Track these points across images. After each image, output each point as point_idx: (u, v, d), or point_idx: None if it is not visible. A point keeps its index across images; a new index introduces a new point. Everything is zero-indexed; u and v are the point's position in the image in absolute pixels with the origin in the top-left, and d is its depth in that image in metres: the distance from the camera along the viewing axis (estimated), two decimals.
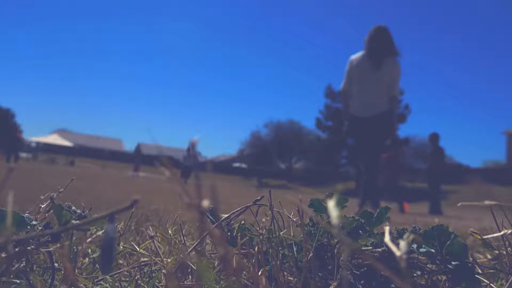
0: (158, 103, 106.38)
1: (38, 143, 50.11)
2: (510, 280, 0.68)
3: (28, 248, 0.65)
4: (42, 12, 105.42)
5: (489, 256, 0.76)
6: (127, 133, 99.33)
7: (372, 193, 4.88)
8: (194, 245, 0.75)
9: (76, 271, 0.82)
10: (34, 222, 0.70)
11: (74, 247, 0.80)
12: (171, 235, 0.89)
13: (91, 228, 0.83)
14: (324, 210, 0.78)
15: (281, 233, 0.78)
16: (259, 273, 0.67)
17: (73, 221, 0.70)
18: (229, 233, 0.78)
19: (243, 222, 0.80)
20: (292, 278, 0.71)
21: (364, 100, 4.75)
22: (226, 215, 0.77)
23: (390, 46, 4.70)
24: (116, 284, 0.79)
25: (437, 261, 0.70)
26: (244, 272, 0.68)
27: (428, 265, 0.71)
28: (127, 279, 0.85)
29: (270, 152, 42.94)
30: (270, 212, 0.80)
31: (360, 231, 0.75)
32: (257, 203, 0.79)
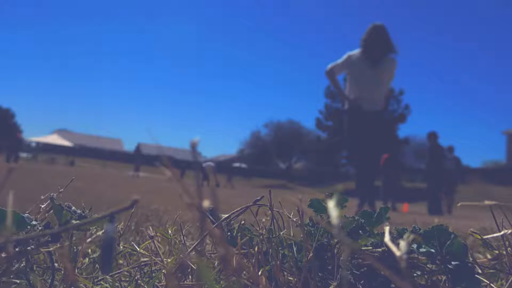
0: (158, 103, 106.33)
1: (38, 143, 50.09)
2: (510, 280, 0.68)
3: (28, 248, 0.65)
4: (42, 12, 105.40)
5: (489, 256, 0.76)
6: (127, 133, 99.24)
7: (369, 192, 4.90)
8: (194, 245, 0.75)
9: (76, 271, 0.82)
10: (34, 222, 0.70)
11: (74, 247, 0.80)
12: (171, 235, 0.89)
13: (91, 228, 0.83)
14: (324, 210, 0.79)
15: (281, 233, 0.78)
16: (259, 273, 0.67)
17: (73, 221, 0.70)
18: (229, 233, 0.78)
19: (243, 222, 0.80)
20: (292, 278, 0.71)
21: (363, 99, 4.75)
22: (226, 215, 0.77)
23: (388, 44, 4.70)
24: (116, 284, 0.79)
25: (437, 261, 0.70)
26: (244, 272, 0.68)
27: (428, 265, 0.71)
28: (127, 279, 0.85)
29: (270, 152, 42.96)
30: (270, 212, 0.80)
31: (360, 231, 0.75)
32: (257, 203, 0.79)
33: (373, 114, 4.75)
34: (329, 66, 4.84)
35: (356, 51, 4.81)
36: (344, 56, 4.84)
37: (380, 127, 4.96)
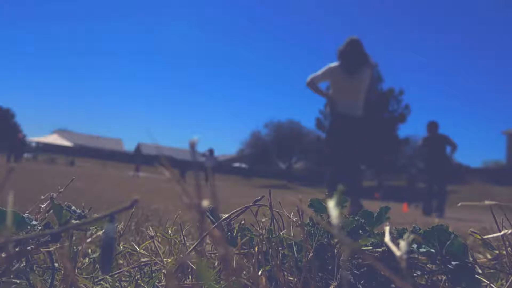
0: (158, 103, 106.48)
1: (38, 143, 50.07)
2: (510, 280, 0.68)
3: (28, 248, 0.65)
4: (42, 12, 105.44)
5: (489, 256, 0.76)
6: (127, 133, 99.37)
7: (353, 192, 5.17)
8: (194, 245, 0.75)
9: (76, 271, 0.82)
10: (34, 222, 0.70)
11: (74, 247, 0.80)
12: (171, 235, 0.89)
13: (91, 228, 0.83)
14: (324, 210, 0.78)
15: (281, 233, 0.78)
16: (259, 273, 0.67)
17: (73, 221, 0.70)
18: (229, 233, 0.78)
19: (243, 222, 0.80)
20: (292, 278, 0.71)
21: (344, 106, 5.17)
22: (226, 215, 0.77)
23: (364, 56, 5.16)
24: (116, 284, 0.79)
25: (437, 261, 0.70)
26: (244, 272, 0.68)
27: (428, 265, 0.71)
28: (127, 279, 0.85)
29: (270, 152, 42.95)
30: (270, 212, 0.80)
31: (360, 231, 0.75)
32: (257, 203, 0.79)
33: (353, 119, 5.16)
34: (309, 77, 5.26)
35: (335, 63, 5.22)
36: (325, 68, 5.26)
37: (360, 131, 5.38)
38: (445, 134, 8.77)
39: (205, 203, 0.35)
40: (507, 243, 0.71)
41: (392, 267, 0.66)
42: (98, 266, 0.85)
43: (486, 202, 0.63)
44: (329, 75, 5.22)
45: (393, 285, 0.69)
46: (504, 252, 0.71)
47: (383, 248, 0.72)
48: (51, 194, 0.74)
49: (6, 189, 0.47)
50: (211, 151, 19.23)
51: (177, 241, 0.89)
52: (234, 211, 0.77)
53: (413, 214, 7.34)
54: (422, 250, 0.70)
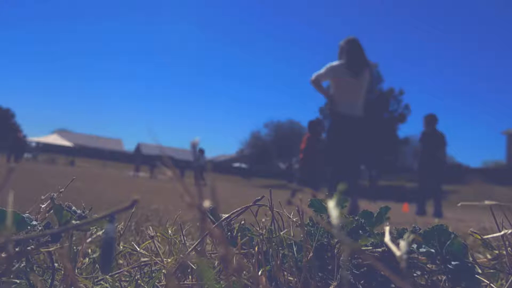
0: (158, 103, 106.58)
1: (38, 143, 50.05)
2: (510, 280, 0.68)
3: (28, 248, 0.65)
4: (42, 12, 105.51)
5: (489, 256, 0.76)
6: (127, 133, 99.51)
7: (352, 192, 5.22)
8: (194, 245, 0.75)
9: (76, 271, 0.82)
10: (34, 222, 0.70)
11: (74, 247, 0.80)
12: (171, 235, 0.89)
13: (91, 228, 0.83)
14: (324, 210, 0.78)
15: (281, 233, 0.78)
16: (259, 273, 0.67)
17: (73, 221, 0.70)
18: (229, 233, 0.78)
19: (243, 222, 0.80)
20: (292, 278, 0.71)
21: (346, 106, 5.18)
22: (226, 215, 0.77)
23: (365, 56, 5.20)
24: (116, 284, 0.79)
25: (437, 261, 0.70)
26: (244, 272, 0.68)
27: (428, 265, 0.71)
28: (127, 279, 0.85)
29: (270, 152, 42.97)
30: (270, 212, 0.80)
31: (360, 231, 0.75)
32: (257, 203, 0.79)
33: (354, 119, 5.17)
34: (314, 75, 5.25)
35: (337, 62, 5.20)
36: (327, 66, 5.23)
37: (361, 131, 5.41)
38: (442, 132, 8.43)
39: (206, 203, 0.35)
40: (507, 243, 0.71)
41: (392, 267, 0.66)
42: (98, 266, 0.85)
43: (486, 202, 0.63)
44: (332, 74, 5.20)
45: (393, 285, 0.69)
46: (504, 252, 0.71)
47: (383, 248, 0.72)
48: (51, 194, 0.74)
49: (6, 189, 0.47)
50: (201, 151, 19.16)
51: (177, 241, 0.89)
52: (234, 211, 0.77)
53: (412, 214, 7.33)
54: (422, 250, 0.70)
